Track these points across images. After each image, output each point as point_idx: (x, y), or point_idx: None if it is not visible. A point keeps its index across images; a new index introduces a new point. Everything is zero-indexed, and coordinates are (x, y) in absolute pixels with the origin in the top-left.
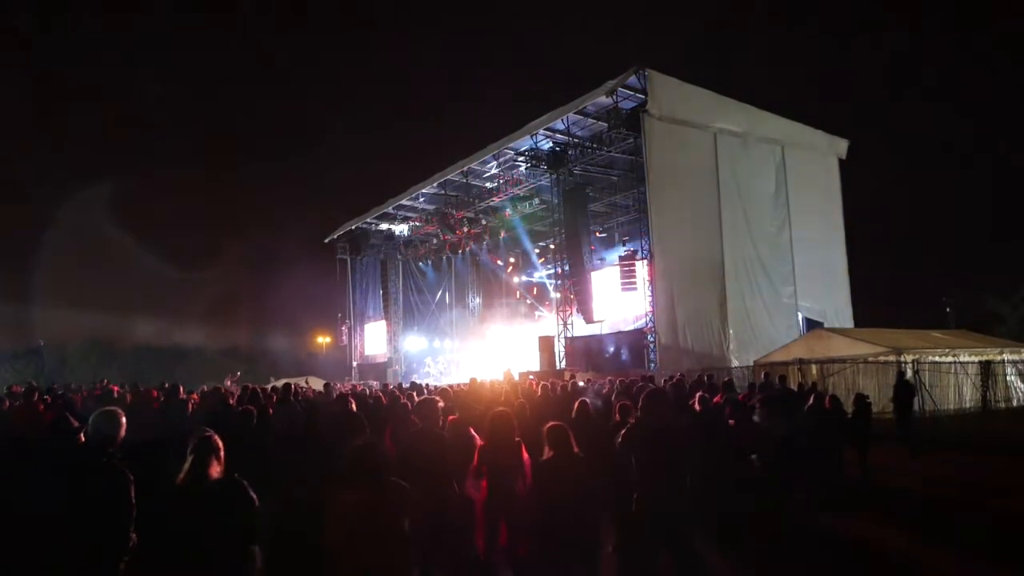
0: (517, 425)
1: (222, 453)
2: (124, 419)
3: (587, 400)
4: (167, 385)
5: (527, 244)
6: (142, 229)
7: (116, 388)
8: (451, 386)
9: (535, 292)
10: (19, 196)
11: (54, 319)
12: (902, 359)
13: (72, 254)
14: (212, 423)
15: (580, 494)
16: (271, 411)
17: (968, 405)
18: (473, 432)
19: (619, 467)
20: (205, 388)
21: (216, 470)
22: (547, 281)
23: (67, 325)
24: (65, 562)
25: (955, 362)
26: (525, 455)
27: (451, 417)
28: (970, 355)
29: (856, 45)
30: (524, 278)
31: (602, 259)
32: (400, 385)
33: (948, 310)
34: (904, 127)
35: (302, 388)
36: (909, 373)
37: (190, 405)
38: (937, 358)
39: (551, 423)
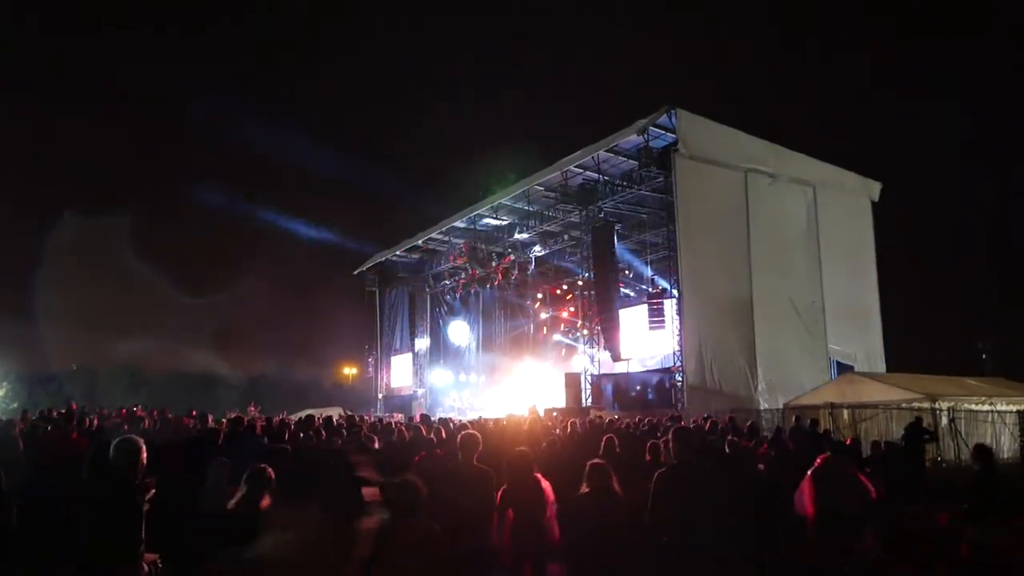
0: (534, 462)
1: (274, 485)
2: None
3: (614, 437)
4: (195, 413)
5: None
6: (171, 258)
7: (142, 412)
8: (474, 421)
9: (562, 328)
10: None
11: (86, 344)
12: (936, 406)
13: (103, 280)
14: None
15: (611, 530)
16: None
17: (1007, 456)
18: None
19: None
20: (231, 415)
21: (267, 502)
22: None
23: (98, 350)
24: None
25: (992, 411)
26: (547, 489)
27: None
28: (1008, 404)
29: (889, 86)
30: (551, 313)
31: (630, 296)
32: (426, 417)
33: (984, 356)
34: (937, 169)
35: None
36: (945, 421)
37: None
38: (973, 406)
39: (594, 461)
